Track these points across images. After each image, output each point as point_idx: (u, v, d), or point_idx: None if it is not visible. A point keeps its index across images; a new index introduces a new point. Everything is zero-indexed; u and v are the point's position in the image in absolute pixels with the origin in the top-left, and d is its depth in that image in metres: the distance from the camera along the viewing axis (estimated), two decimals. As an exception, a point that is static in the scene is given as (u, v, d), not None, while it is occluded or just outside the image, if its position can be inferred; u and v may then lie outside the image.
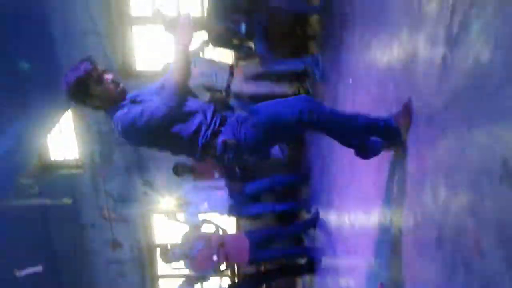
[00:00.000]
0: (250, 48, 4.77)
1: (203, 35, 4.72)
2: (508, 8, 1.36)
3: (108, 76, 2.32)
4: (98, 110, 2.41)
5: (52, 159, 6.73)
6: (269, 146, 2.47)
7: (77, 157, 6.74)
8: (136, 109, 2.24)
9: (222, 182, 5.49)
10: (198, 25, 4.56)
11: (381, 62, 2.64)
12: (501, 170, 1.36)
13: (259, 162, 5.23)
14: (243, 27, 4.40)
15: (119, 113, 2.29)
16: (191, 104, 2.37)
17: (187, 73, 2.22)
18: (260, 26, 4.47)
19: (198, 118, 2.33)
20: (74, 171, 6.76)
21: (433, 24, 1.92)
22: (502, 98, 1.38)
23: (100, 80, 2.29)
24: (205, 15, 4.72)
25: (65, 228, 6.60)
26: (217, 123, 2.33)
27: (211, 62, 4.97)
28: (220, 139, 2.31)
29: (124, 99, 2.36)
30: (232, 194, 5.36)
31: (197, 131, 2.31)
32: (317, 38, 4.77)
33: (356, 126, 2.26)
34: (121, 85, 2.38)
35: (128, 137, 2.37)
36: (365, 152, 2.38)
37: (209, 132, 2.31)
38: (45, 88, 5.60)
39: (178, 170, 5.69)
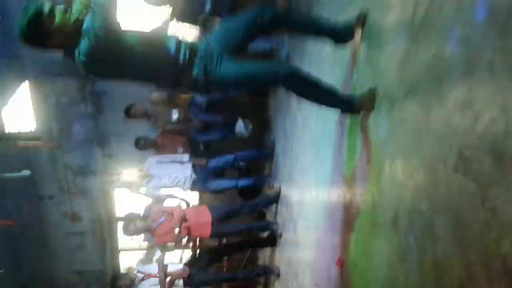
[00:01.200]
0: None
1: (168, 10, 4.63)
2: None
3: (59, 7, 2.21)
4: (59, 50, 2.29)
5: (7, 131, 6.51)
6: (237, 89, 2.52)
7: (34, 129, 6.55)
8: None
9: (185, 157, 5.50)
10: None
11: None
12: (456, 158, 1.46)
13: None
14: (208, 2, 4.36)
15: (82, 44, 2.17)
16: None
17: None
18: (226, 2, 4.44)
19: (171, 43, 2.28)
20: (31, 142, 6.57)
21: (397, 11, 1.99)
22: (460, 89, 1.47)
23: (52, 13, 2.17)
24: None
25: (22, 199, 6.47)
26: (187, 54, 2.27)
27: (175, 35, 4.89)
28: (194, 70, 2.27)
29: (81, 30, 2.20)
30: (195, 168, 5.39)
31: (172, 55, 2.26)
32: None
33: (324, 93, 2.37)
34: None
35: (93, 65, 2.26)
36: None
37: (185, 56, 2.26)
38: (1, 58, 5.38)
39: (140, 144, 5.65)
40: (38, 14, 2.14)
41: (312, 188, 3.52)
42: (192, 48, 2.31)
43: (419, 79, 1.75)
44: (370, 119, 2.27)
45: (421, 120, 1.72)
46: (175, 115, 6.03)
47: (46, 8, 2.16)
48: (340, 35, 2.48)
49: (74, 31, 2.18)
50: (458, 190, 1.44)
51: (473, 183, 1.36)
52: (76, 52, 2.19)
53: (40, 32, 2.17)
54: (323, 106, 2.52)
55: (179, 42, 2.31)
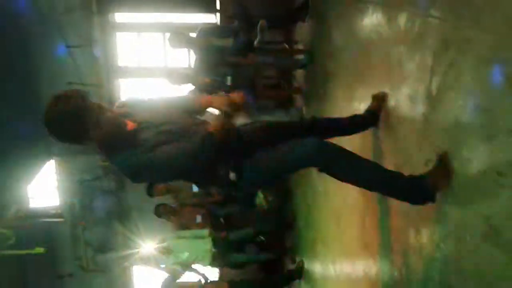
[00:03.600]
0: (236, 99, 4.87)
1: (190, 86, 4.82)
2: (483, 71, 1.46)
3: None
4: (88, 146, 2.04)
5: (32, 206, 6.61)
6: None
7: (57, 205, 6.63)
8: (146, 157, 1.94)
9: (205, 231, 5.44)
10: (185, 77, 4.67)
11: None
12: (483, 227, 1.42)
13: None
14: (229, 80, 4.52)
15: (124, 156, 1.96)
16: None
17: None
18: (246, 78, 4.59)
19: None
20: (53, 219, 6.63)
21: (413, 83, 2.03)
22: (480, 156, 1.46)
23: (102, 109, 1.95)
24: (192, 67, 4.84)
25: (42, 278, 6.40)
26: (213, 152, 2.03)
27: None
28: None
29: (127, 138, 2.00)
30: (215, 242, 5.31)
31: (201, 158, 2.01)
32: (302, 91, 4.92)
33: (374, 177, 1.94)
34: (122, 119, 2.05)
35: (137, 180, 2.08)
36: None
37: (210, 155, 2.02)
38: (29, 137, 5.58)
39: (159, 210, 5.61)
40: (85, 105, 1.90)
41: (336, 261, 3.41)
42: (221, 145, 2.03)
43: (439, 146, 1.74)
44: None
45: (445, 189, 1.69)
46: (195, 189, 6.05)
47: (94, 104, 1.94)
48: (366, 123, 2.46)
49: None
50: (487, 261, 1.39)
51: (503, 254, 1.31)
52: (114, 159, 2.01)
53: (80, 125, 1.90)
54: (377, 190, 2.12)
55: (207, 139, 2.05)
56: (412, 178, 1.84)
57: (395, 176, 1.91)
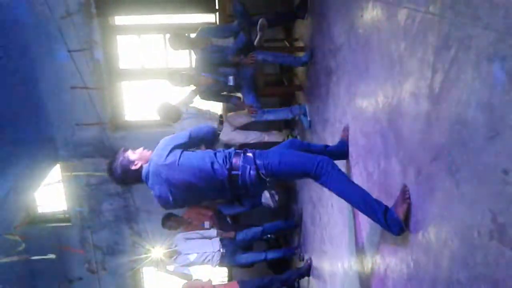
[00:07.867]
0: (239, 98, 4.87)
1: (192, 87, 4.82)
2: (485, 68, 1.44)
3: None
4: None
5: (40, 211, 6.64)
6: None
7: (65, 210, 6.65)
8: None
9: (213, 232, 5.45)
10: (187, 77, 4.66)
11: (367, 113, 2.72)
12: (490, 225, 1.40)
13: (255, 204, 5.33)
14: (231, 79, 4.50)
15: None
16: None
17: None
18: (248, 77, 4.57)
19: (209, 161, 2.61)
20: (62, 223, 6.66)
21: (415, 81, 2.01)
22: (484, 154, 1.45)
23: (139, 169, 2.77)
24: (194, 68, 4.83)
25: (52, 282, 6.44)
26: (231, 158, 2.60)
27: (200, 112, 5.05)
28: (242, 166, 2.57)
29: None
30: (223, 242, 5.32)
31: (213, 170, 2.57)
32: (304, 88, 4.90)
33: (357, 201, 2.37)
34: None
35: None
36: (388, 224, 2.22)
37: (227, 166, 2.56)
38: (34, 142, 5.60)
39: (166, 224, 5.60)
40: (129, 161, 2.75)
41: (344, 258, 3.40)
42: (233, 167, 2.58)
43: (444, 144, 1.73)
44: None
45: (450, 186, 1.68)
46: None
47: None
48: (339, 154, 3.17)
49: None
50: (495, 259, 1.37)
51: (510, 250, 1.30)
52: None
53: (132, 178, 2.81)
54: (359, 210, 2.42)
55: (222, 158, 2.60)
56: (386, 210, 2.20)
57: (375, 206, 2.26)
